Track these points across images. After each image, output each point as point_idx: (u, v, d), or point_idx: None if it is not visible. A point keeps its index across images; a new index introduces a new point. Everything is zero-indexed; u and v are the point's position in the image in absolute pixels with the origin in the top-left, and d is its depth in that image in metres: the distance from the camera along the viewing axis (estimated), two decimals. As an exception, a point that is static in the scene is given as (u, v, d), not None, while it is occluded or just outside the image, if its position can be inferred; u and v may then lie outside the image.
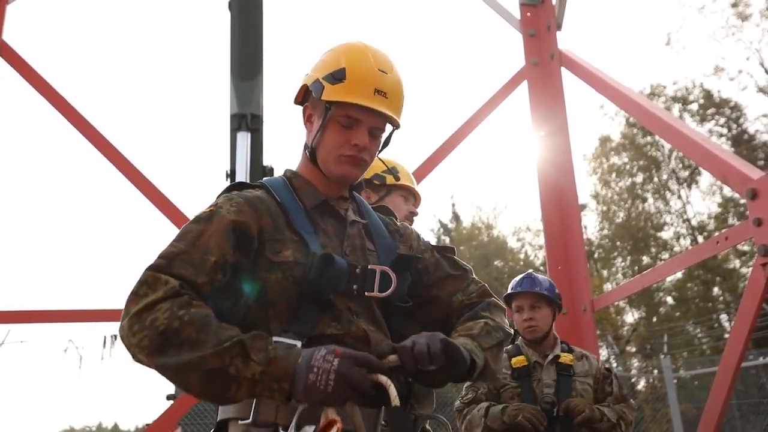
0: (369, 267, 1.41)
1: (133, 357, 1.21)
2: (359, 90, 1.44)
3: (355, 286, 1.39)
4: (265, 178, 1.57)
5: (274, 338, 1.25)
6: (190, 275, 1.26)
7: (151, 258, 1.30)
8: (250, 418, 1.26)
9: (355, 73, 1.45)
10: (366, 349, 1.32)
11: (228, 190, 1.49)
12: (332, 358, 1.16)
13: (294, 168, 1.59)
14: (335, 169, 1.47)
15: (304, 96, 1.56)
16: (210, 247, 1.31)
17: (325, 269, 1.34)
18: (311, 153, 1.50)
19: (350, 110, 1.44)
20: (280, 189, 1.49)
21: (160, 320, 1.17)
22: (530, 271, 3.27)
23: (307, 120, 1.54)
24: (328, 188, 1.52)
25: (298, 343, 1.25)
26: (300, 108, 1.59)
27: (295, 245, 1.39)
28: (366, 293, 1.40)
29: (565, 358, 2.99)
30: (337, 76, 1.45)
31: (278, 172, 1.73)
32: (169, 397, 9.23)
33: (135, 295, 1.23)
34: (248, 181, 1.57)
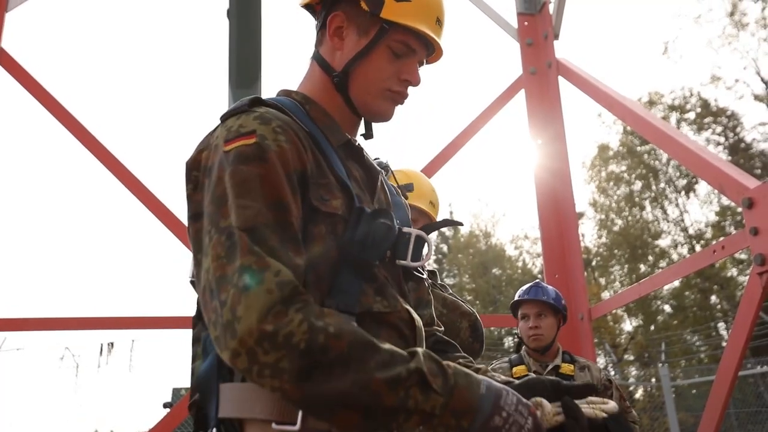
0: (404, 230, 1.16)
1: (259, 380, 0.89)
2: (426, 16, 1.21)
3: (388, 252, 1.14)
4: (276, 97, 1.22)
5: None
6: (278, 244, 0.96)
7: (219, 228, 0.97)
8: (298, 425, 0.96)
9: None
10: (411, 334, 1.14)
11: (250, 105, 1.12)
12: (527, 414, 0.96)
13: (296, 89, 1.26)
14: (375, 104, 1.22)
15: (333, 0, 1.23)
16: (285, 203, 1.00)
17: (377, 228, 1.08)
18: (342, 78, 1.21)
19: (410, 38, 1.20)
20: (302, 117, 1.16)
21: (298, 335, 0.88)
22: (537, 280, 3.28)
23: (334, 33, 1.22)
24: (345, 124, 1.23)
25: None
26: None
27: (341, 194, 1.10)
28: (398, 261, 1.16)
29: (566, 368, 2.99)
30: None
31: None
32: (165, 405, 9.20)
33: (239, 290, 0.90)
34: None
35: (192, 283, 1.17)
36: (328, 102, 1.22)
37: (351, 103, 1.22)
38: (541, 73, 5.01)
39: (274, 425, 0.97)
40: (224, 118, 1.11)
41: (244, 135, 1.04)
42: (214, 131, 1.11)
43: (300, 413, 0.96)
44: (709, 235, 20.51)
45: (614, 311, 17.57)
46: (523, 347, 3.12)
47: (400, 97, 1.24)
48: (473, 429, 0.93)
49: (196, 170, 1.07)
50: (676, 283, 18.76)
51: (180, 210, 4.37)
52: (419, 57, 1.24)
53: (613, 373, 16.44)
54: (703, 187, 21.05)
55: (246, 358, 0.88)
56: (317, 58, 1.25)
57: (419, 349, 0.96)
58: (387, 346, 0.94)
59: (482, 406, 0.94)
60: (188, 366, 1.17)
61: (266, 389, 0.90)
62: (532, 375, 1.95)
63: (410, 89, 1.26)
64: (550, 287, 3.16)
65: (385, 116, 1.25)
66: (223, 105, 4.50)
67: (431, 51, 1.27)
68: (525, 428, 0.95)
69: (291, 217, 1.00)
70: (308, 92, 1.23)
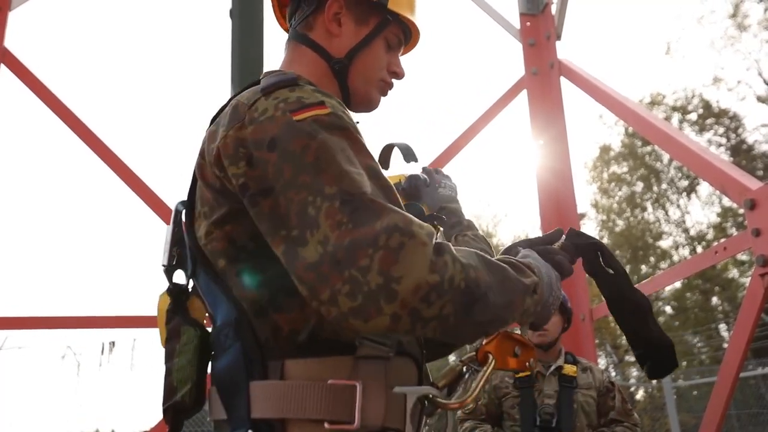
0: None
1: (423, 333, 0.88)
2: (415, 11, 1.25)
3: None
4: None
5: None
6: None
7: (327, 195, 0.89)
8: (357, 423, 0.93)
9: None
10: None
11: (295, 81, 1.05)
12: (560, 285, 1.10)
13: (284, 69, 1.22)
14: (371, 93, 1.23)
15: None
16: (378, 171, 0.98)
17: None
18: (344, 65, 1.20)
19: (401, 31, 1.24)
20: None
21: (457, 276, 0.87)
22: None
23: (332, 19, 1.21)
24: None
25: None
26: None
27: None
28: None
29: (568, 369, 2.98)
30: None
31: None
32: (166, 405, 9.18)
33: (392, 251, 0.84)
34: None
35: (167, 270, 1.14)
36: (327, 89, 1.17)
37: (345, 91, 1.22)
38: (543, 73, 5.01)
39: (327, 425, 0.93)
40: (268, 91, 1.02)
41: (314, 105, 0.98)
42: (253, 104, 1.01)
43: (359, 409, 0.93)
44: (710, 236, 20.50)
45: (615, 312, 17.51)
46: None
47: (388, 88, 1.26)
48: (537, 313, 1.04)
49: (242, 147, 0.97)
50: (678, 285, 18.74)
51: (182, 209, 4.36)
52: (401, 50, 1.28)
53: (614, 374, 16.43)
54: (704, 188, 21.07)
55: (409, 319, 0.85)
56: (308, 42, 1.22)
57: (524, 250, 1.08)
58: (500, 260, 0.99)
59: (545, 295, 1.04)
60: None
61: (424, 336, 0.92)
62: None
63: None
64: None
65: (375, 106, 1.27)
66: (226, 105, 4.50)
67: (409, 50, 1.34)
68: (559, 297, 1.08)
69: (389, 182, 0.97)
70: (308, 77, 1.15)
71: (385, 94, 1.27)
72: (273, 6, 1.35)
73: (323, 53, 1.21)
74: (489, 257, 0.97)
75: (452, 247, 0.91)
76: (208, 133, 1.08)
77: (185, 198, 1.15)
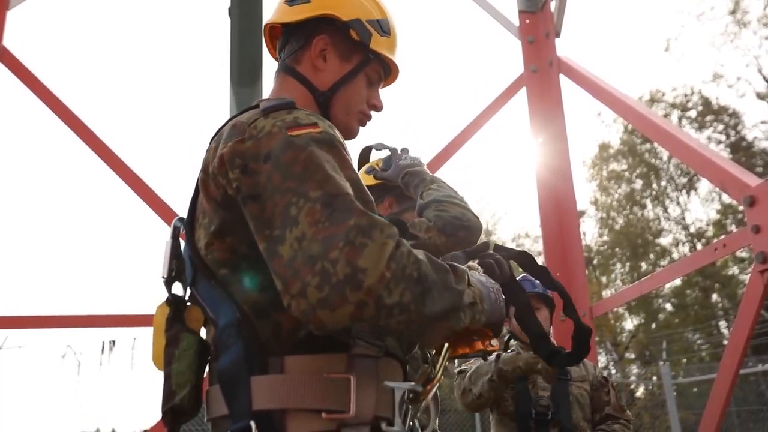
0: None
1: (386, 322, 0.93)
2: (395, 49, 1.35)
3: None
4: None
5: None
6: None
7: (311, 198, 0.97)
8: (352, 410, 1.00)
9: (395, 31, 1.36)
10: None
11: (293, 105, 1.13)
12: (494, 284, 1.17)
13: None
14: (350, 123, 1.33)
15: (316, 24, 1.31)
16: (362, 186, 1.07)
17: None
18: (327, 97, 1.30)
19: (381, 69, 1.35)
20: None
21: (410, 268, 0.94)
22: (524, 274, 3.25)
23: (319, 54, 1.31)
24: None
25: None
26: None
27: None
28: None
29: None
30: (384, 28, 1.34)
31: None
32: (167, 403, 9.17)
33: (357, 246, 0.91)
34: None
35: (167, 281, 1.20)
36: None
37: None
38: (543, 71, 5.01)
39: (324, 414, 1.00)
40: (268, 112, 1.10)
41: (307, 125, 1.07)
42: (252, 122, 1.09)
43: (354, 400, 1.00)
44: (710, 233, 20.51)
45: (615, 309, 17.58)
46: (515, 343, 3.07)
47: (367, 119, 1.36)
48: (486, 309, 1.10)
49: (239, 158, 1.05)
50: (678, 282, 18.77)
51: (182, 207, 4.37)
52: (381, 84, 1.39)
53: (614, 371, 16.45)
54: (704, 185, 21.08)
55: (374, 306, 0.91)
56: (296, 75, 1.32)
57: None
58: (445, 264, 1.03)
59: (483, 291, 1.10)
60: None
61: (392, 329, 0.95)
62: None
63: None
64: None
65: (353, 135, 1.38)
66: (225, 103, 4.50)
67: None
68: (498, 291, 1.15)
69: (369, 196, 1.07)
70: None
71: (363, 124, 1.37)
72: (265, 39, 1.45)
73: (309, 85, 1.31)
74: (435, 259, 1.02)
75: (402, 239, 0.98)
76: (211, 150, 1.14)
77: (185, 210, 1.21)
